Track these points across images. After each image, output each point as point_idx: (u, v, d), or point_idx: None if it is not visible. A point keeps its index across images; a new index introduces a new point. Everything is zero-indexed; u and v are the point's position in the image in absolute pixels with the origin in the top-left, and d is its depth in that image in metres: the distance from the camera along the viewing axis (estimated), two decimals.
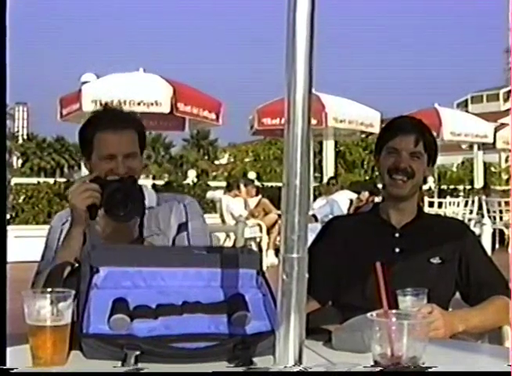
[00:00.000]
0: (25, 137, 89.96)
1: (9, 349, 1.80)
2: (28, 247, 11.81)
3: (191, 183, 14.25)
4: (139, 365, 1.72)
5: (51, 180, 13.67)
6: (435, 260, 2.73)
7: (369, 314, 1.61)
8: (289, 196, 1.54)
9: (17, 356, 1.76)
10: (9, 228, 11.77)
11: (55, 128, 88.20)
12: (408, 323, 1.58)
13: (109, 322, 1.79)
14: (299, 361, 1.62)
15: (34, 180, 14.38)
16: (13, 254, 9.53)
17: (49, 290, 1.76)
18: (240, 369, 1.74)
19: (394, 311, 1.68)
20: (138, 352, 1.73)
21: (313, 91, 1.61)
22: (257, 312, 1.92)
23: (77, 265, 1.98)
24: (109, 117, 2.74)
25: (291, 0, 1.56)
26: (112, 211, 2.42)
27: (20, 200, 12.67)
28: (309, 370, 1.64)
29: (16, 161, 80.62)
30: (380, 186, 2.88)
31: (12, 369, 1.68)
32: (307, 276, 1.59)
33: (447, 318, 2.32)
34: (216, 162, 61.18)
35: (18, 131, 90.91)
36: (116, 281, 1.87)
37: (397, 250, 2.75)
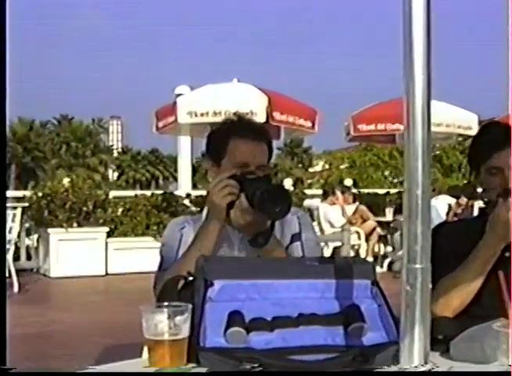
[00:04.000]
0: (120, 150, 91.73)
1: (125, 362, 1.80)
2: (127, 259, 12.05)
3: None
4: None
5: (148, 192, 13.85)
6: None
7: (494, 325, 1.55)
8: (411, 206, 1.50)
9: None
10: (109, 240, 12.03)
11: (150, 141, 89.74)
12: None
13: (225, 335, 1.78)
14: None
15: (131, 193, 14.58)
16: (113, 266, 9.71)
17: (166, 304, 1.77)
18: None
19: None
20: (256, 365, 1.72)
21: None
22: (373, 323, 1.88)
23: (190, 278, 1.98)
24: (247, 126, 2.79)
25: (406, 5, 1.52)
26: (267, 206, 2.40)
27: (119, 213, 12.88)
28: None
29: (112, 174, 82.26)
30: (479, 190, 2.72)
31: (12, 369, 1.70)
32: (430, 286, 1.55)
33: None
34: (310, 170, 61.15)
35: (113, 145, 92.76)
36: (231, 294, 1.85)
37: (507, 254, 2.67)
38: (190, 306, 1.76)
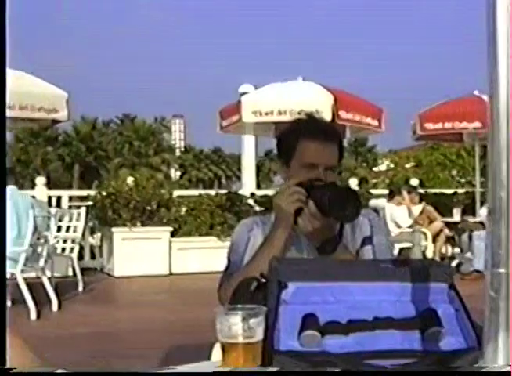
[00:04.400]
0: (182, 149, 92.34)
1: (198, 364, 1.78)
2: (191, 258, 12.10)
3: None
4: None
5: (212, 192, 13.89)
6: None
7: None
8: (494, 208, 1.45)
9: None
10: (173, 240, 12.09)
11: (212, 140, 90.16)
12: None
13: (299, 338, 1.75)
14: None
15: (195, 192, 14.64)
16: (177, 265, 9.75)
17: (240, 306, 1.74)
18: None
19: None
20: (334, 370, 1.68)
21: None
22: (451, 328, 1.83)
23: (263, 280, 1.95)
24: (317, 126, 2.77)
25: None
26: (336, 209, 2.38)
27: (183, 213, 12.93)
28: None
29: (175, 173, 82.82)
30: None
31: (12, 369, 1.68)
32: None
33: None
34: (375, 169, 60.78)
35: (175, 144, 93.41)
36: (305, 296, 1.82)
37: None
38: (265, 309, 1.73)
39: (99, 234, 13.06)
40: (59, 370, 1.72)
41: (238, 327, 1.68)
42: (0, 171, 1.97)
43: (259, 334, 1.70)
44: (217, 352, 2.58)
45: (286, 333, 1.76)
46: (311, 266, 1.97)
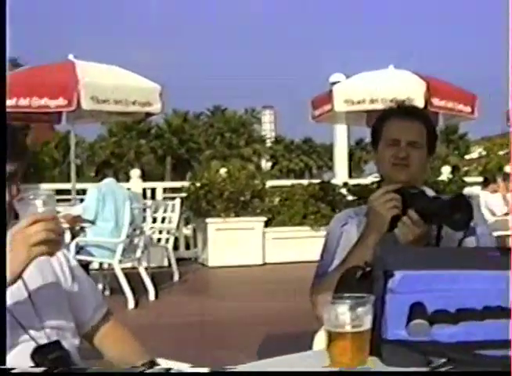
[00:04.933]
0: (273, 140, 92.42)
1: (303, 353, 1.77)
2: (285, 248, 12.11)
3: (446, 180, 13.89)
4: None
5: (304, 182, 13.85)
6: None
7: None
8: None
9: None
10: (266, 230, 12.12)
11: (302, 130, 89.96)
12: None
13: (407, 327, 1.73)
14: None
15: (288, 182, 14.63)
16: (271, 255, 9.74)
17: (347, 295, 1.72)
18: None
19: None
20: (443, 360, 1.65)
21: None
22: None
23: (368, 269, 1.93)
24: (400, 108, 2.84)
25: None
26: (447, 217, 2.38)
27: (276, 203, 12.94)
28: None
29: (265, 164, 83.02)
30: None
31: (12, 369, 1.69)
32: None
33: None
34: (466, 157, 59.71)
35: (266, 135, 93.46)
36: (411, 285, 1.80)
37: None
38: (372, 297, 1.72)
39: (193, 225, 13.18)
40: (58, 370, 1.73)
41: (346, 316, 1.67)
42: (0, 171, 2.00)
43: (367, 323, 1.68)
44: (319, 342, 2.58)
45: (393, 322, 1.75)
46: (417, 255, 1.95)
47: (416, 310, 1.75)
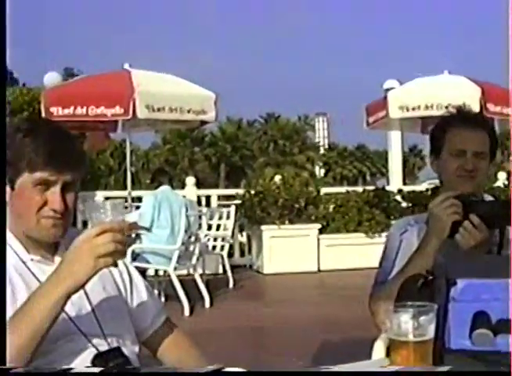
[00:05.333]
0: (326, 147, 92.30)
1: (364, 362, 1.76)
2: (339, 255, 12.06)
3: (502, 186, 13.69)
4: None
5: (359, 188, 13.78)
6: None
7: None
8: None
9: None
10: (321, 237, 12.09)
11: (356, 137, 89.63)
12: None
13: (471, 337, 1.71)
14: None
15: (342, 189, 14.58)
16: (326, 262, 9.71)
17: (410, 303, 1.70)
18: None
19: None
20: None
21: None
22: None
23: (430, 277, 1.91)
24: (465, 115, 2.82)
25: None
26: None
27: (330, 210, 12.89)
28: None
29: (319, 171, 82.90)
30: None
31: (12, 369, 1.67)
32: None
33: None
34: None
35: (319, 142, 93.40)
36: (475, 293, 1.77)
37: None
38: (435, 306, 1.69)
39: (247, 232, 13.19)
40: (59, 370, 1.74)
41: (409, 324, 1.65)
42: (0, 171, 2.01)
43: (430, 333, 1.66)
44: (378, 350, 2.56)
45: (456, 331, 1.73)
46: (480, 262, 1.92)
47: (480, 319, 1.72)
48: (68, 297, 1.82)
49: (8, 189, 2.06)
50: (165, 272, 8.77)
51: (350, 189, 13.99)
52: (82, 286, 1.84)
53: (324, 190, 13.83)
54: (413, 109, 10.61)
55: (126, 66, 10.55)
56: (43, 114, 9.73)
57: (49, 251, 2.14)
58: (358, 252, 11.66)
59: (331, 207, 12.95)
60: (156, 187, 9.15)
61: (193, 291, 8.83)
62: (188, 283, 8.86)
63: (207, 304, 8.87)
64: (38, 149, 2.01)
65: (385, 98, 11.08)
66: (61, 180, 2.03)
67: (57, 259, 2.10)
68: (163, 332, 2.37)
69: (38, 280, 2.02)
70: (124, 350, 2.10)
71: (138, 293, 2.34)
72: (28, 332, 1.77)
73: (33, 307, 1.80)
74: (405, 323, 1.65)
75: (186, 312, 8.30)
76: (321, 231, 12.33)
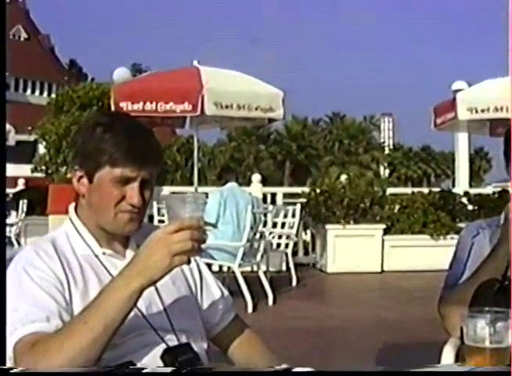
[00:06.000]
0: (391, 147, 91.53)
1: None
2: (404, 256, 11.96)
3: None
4: None
5: (425, 190, 13.65)
6: None
7: None
8: None
9: None
10: (385, 238, 12.00)
11: (421, 137, 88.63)
12: None
13: None
14: None
15: (408, 190, 14.45)
16: (390, 263, 9.62)
17: (487, 309, 1.68)
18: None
19: None
20: None
21: None
22: None
23: (506, 282, 1.88)
24: None
25: None
26: None
27: (395, 210, 12.80)
28: None
29: (384, 171, 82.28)
30: None
31: (12, 369, 1.66)
32: None
33: None
34: None
35: (384, 142, 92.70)
36: None
37: None
38: None
39: (311, 230, 13.17)
40: (60, 370, 1.73)
41: (485, 330, 1.63)
42: (0, 171, 2.00)
43: (507, 340, 1.63)
44: (447, 355, 2.52)
45: None
46: None
47: None
48: (141, 292, 1.80)
49: (85, 181, 2.07)
50: (229, 268, 8.80)
51: (415, 190, 13.85)
52: (155, 282, 1.82)
53: (390, 191, 13.73)
54: (482, 111, 10.44)
55: (195, 63, 10.60)
56: (112, 109, 9.83)
57: (121, 245, 2.15)
58: (422, 254, 11.57)
59: (396, 207, 12.85)
60: (223, 184, 9.20)
61: (256, 288, 8.84)
62: (251, 279, 8.88)
63: (271, 301, 8.87)
64: (119, 145, 2.02)
65: (454, 99, 10.93)
66: (140, 176, 2.04)
67: (128, 253, 2.13)
68: (232, 329, 2.35)
69: (110, 273, 2.03)
70: (194, 346, 2.09)
71: (208, 289, 2.33)
72: (101, 326, 1.76)
73: (106, 301, 1.79)
74: (481, 328, 1.63)
75: (250, 308, 8.31)
76: (385, 232, 12.25)
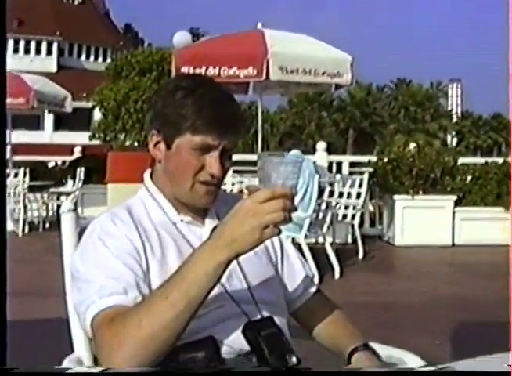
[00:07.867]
0: (459, 115, 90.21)
1: None
2: (476, 230, 11.51)
3: None
4: None
5: (499, 160, 13.10)
6: None
7: None
8: None
9: None
10: (456, 209, 11.58)
11: (492, 105, 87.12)
12: None
13: None
14: None
15: (480, 160, 13.93)
16: (461, 236, 9.21)
17: None
18: None
19: None
20: None
21: None
22: None
23: None
24: None
25: None
26: None
27: (467, 181, 12.32)
28: None
29: (451, 140, 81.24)
30: None
31: (12, 369, 1.64)
32: None
33: None
34: None
35: (452, 110, 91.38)
36: None
37: None
38: None
39: (377, 201, 12.80)
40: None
41: None
42: (0, 170, 2.04)
43: None
44: None
45: None
46: None
47: None
48: (227, 266, 1.65)
49: (162, 147, 1.99)
50: (294, 239, 8.50)
51: (489, 160, 13.32)
52: (241, 255, 1.64)
53: (461, 160, 13.24)
54: None
55: (259, 25, 10.29)
56: (173, 74, 9.61)
57: (199, 214, 2.06)
58: (495, 227, 11.08)
59: (468, 178, 12.36)
60: (287, 151, 8.89)
61: (322, 261, 8.55)
62: (317, 251, 8.60)
63: (337, 274, 8.58)
64: (202, 111, 1.91)
65: None
66: (222, 145, 1.93)
67: (208, 222, 2.04)
68: (314, 304, 2.25)
69: (188, 241, 1.98)
70: (276, 320, 1.97)
71: (289, 261, 2.23)
72: (183, 301, 1.64)
73: (189, 274, 1.65)
74: None
75: (316, 281, 8.01)
76: (456, 203, 11.80)
